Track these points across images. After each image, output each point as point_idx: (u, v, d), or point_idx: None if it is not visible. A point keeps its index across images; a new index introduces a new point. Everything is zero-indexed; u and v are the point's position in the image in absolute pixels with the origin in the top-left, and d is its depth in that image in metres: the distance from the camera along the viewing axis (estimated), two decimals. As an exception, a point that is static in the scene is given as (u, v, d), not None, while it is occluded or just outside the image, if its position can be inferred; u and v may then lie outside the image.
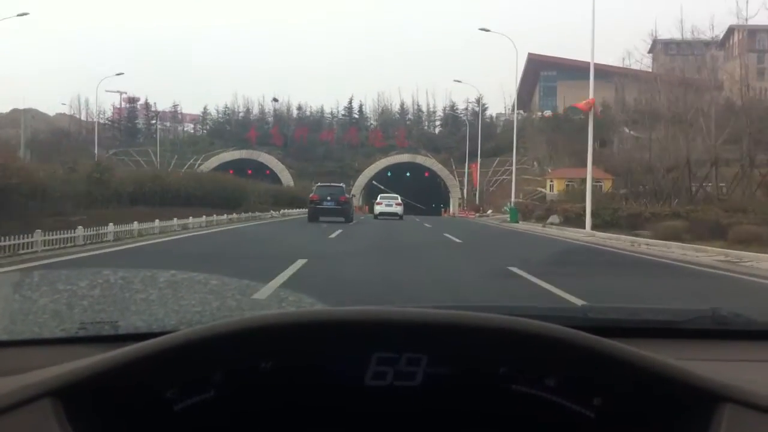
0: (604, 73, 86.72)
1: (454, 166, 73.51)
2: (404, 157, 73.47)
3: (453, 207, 69.34)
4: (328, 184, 27.43)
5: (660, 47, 63.17)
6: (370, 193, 74.55)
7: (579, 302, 5.59)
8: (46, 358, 0.92)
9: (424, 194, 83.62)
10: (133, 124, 79.62)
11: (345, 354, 0.85)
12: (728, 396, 0.79)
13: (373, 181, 76.00)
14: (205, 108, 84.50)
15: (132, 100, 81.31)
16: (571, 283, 7.47)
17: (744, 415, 0.77)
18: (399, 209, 32.38)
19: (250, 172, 71.26)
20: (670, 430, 0.81)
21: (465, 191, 71.42)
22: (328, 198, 24.73)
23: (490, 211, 47.64)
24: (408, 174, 74.58)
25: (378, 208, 32.50)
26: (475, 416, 0.88)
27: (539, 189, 52.91)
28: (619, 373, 0.81)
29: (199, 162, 74.29)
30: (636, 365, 0.80)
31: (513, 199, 37.95)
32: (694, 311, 1.36)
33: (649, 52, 59.27)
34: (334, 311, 0.86)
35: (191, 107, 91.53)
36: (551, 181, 49.83)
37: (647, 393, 0.81)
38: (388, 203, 32.70)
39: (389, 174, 74.44)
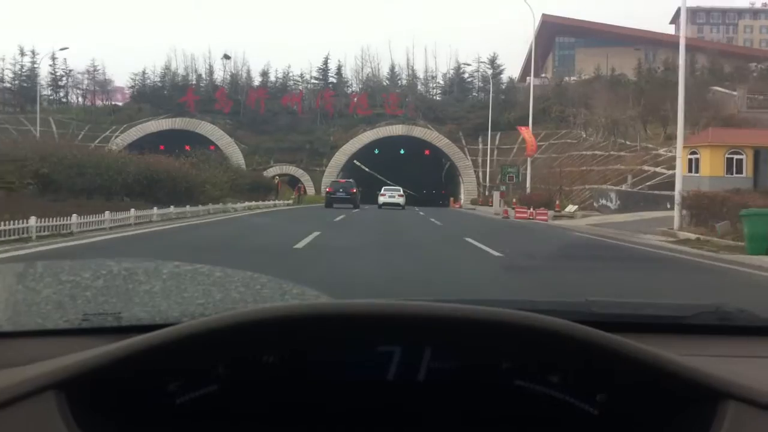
0: (629, 39, 68.12)
1: (464, 142, 53.96)
2: (397, 129, 54.05)
3: (464, 195, 49.79)
4: (340, 179, 34.62)
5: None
6: (352, 177, 55.34)
7: None
8: (50, 350, 0.91)
9: (424, 179, 65.03)
10: (32, 84, 58.77)
11: (348, 348, 0.85)
12: (731, 393, 0.78)
13: (356, 161, 56.04)
14: (143, 72, 63.46)
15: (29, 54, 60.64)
16: None
17: (746, 412, 0.77)
18: (401, 200, 34.73)
19: (188, 148, 52.30)
20: (673, 426, 0.81)
21: (485, 175, 51.80)
22: (341, 190, 32.23)
23: (573, 208, 27.74)
24: (402, 151, 54.99)
25: (381, 199, 34.67)
26: (478, 412, 0.88)
27: (646, 168, 33.10)
28: (623, 368, 0.80)
29: (117, 135, 53.85)
30: (639, 361, 0.79)
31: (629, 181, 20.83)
32: (697, 306, 1.33)
33: (671, 22, 44.57)
34: (337, 304, 0.86)
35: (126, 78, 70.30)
36: (693, 154, 27.91)
37: (650, 389, 0.81)
38: (391, 195, 35.25)
39: (377, 151, 54.67)
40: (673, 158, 20.01)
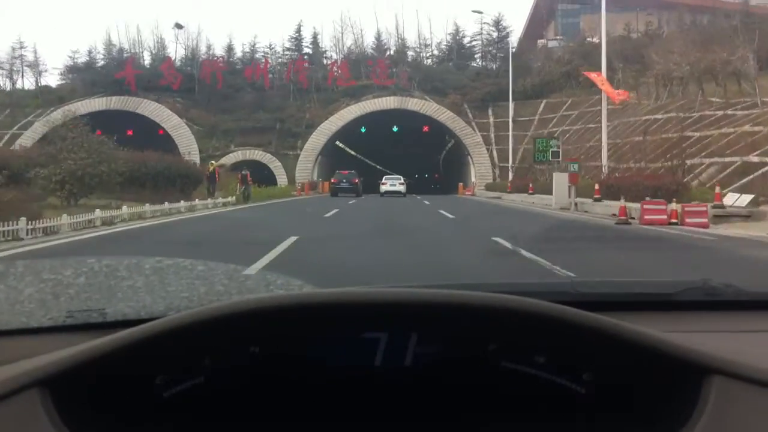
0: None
1: (470, 115, 43.47)
2: (388, 102, 43.57)
3: (476, 179, 39.36)
4: (345, 171, 35.65)
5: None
6: (333, 163, 44.75)
7: None
8: (34, 348, 0.91)
9: (423, 161, 54.55)
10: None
11: (334, 336, 0.85)
12: (716, 368, 0.79)
13: (338, 142, 45.30)
14: (88, 51, 52.16)
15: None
16: None
17: (732, 386, 0.78)
18: (402, 188, 35.26)
19: (131, 132, 42.00)
20: (660, 403, 0.82)
21: (499, 155, 41.43)
22: (344, 181, 34.57)
23: (745, 200, 15.09)
24: (396, 129, 44.41)
25: (383, 188, 35.29)
26: (466, 396, 0.89)
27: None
28: (608, 347, 0.81)
29: (41, 119, 43.00)
30: (625, 339, 0.80)
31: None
32: (684, 283, 1.33)
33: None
34: (321, 293, 0.86)
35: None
36: None
37: (637, 367, 0.82)
38: (392, 183, 35.65)
39: (363, 130, 44.20)
40: None
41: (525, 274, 6.22)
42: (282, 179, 40.86)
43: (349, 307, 0.83)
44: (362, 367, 0.86)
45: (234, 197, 22.36)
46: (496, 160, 41.68)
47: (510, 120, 38.84)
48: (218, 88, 46.59)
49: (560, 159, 25.97)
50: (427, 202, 23.01)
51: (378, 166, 67.84)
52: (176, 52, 54.18)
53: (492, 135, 43.15)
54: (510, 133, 38.08)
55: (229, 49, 53.80)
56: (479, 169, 40.89)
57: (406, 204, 22.62)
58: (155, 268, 1.39)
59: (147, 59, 53.01)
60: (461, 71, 51.06)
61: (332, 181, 35.50)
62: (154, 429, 0.84)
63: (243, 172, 25.20)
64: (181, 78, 46.92)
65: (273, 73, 52.22)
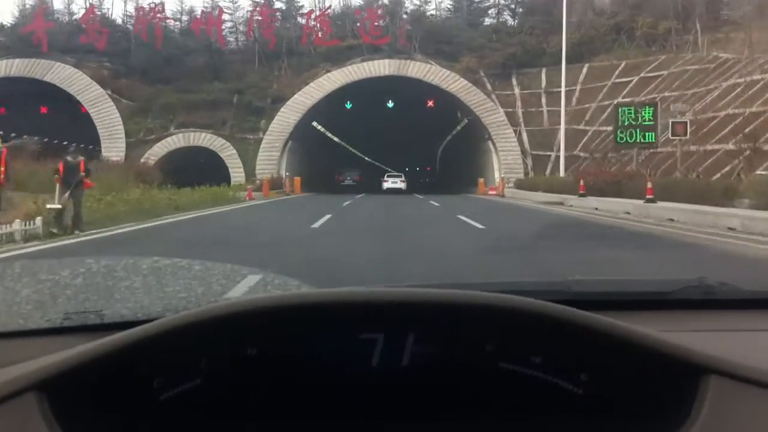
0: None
1: (490, 87, 32.74)
2: (381, 68, 32.75)
3: (501, 172, 28.94)
4: (347, 169, 41.26)
5: None
6: (308, 150, 34.17)
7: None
8: (32, 350, 0.91)
9: (427, 148, 43.83)
10: None
11: (330, 336, 0.86)
12: (713, 368, 0.80)
13: (315, 123, 34.68)
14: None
15: None
16: None
17: (729, 386, 0.78)
18: (402, 185, 36.99)
19: (44, 110, 32.27)
20: (657, 402, 0.83)
21: (529, 138, 31.14)
22: (348, 178, 40.46)
23: None
24: (391, 104, 33.61)
25: (385, 185, 37.01)
26: (464, 396, 0.90)
27: None
28: (605, 347, 0.82)
29: None
30: (621, 339, 0.81)
31: None
32: (680, 281, 1.33)
33: None
34: (318, 293, 0.87)
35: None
36: None
37: (633, 366, 0.83)
38: (394, 181, 37.49)
39: (349, 105, 33.47)
40: None
41: None
42: (237, 174, 30.27)
43: (346, 307, 0.83)
44: (359, 367, 0.86)
45: (41, 220, 9.28)
46: (527, 145, 31.14)
47: (562, 85, 27.95)
48: (158, 48, 35.51)
49: (682, 137, 15.26)
50: (465, 219, 13.06)
51: (366, 158, 57.35)
52: (112, 3, 42.85)
53: (519, 112, 32.57)
54: (562, 108, 27.39)
55: (190, 12, 42.58)
56: (505, 158, 30.42)
57: (417, 217, 12.71)
58: (152, 269, 1.39)
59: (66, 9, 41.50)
60: (474, 29, 40.17)
61: (337, 178, 40.63)
62: (152, 431, 0.84)
63: (69, 160, 10.46)
64: (107, 34, 35.88)
65: (236, 33, 41.20)
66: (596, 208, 15.68)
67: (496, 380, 0.87)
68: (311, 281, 1.32)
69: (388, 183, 36.81)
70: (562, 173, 25.16)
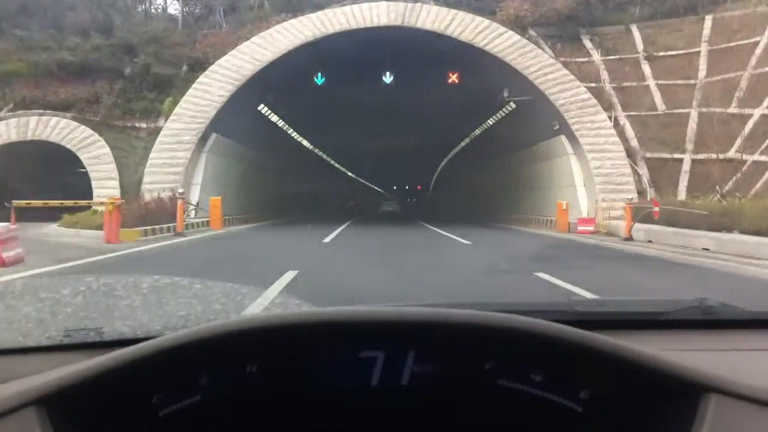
0: None
1: (551, 51, 18.65)
2: (372, 15, 18.14)
3: (583, 195, 14.07)
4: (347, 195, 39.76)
5: None
6: (246, 155, 20.60)
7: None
8: (32, 367, 0.93)
9: (446, 148, 30.80)
10: None
11: (331, 355, 0.87)
12: (714, 386, 0.81)
13: (263, 106, 19.79)
14: None
15: None
16: None
17: (730, 405, 0.79)
18: (397, 207, 40.35)
19: None
20: (658, 421, 0.84)
21: (638, 130, 16.58)
22: (346, 204, 42.22)
23: None
24: (389, 78, 18.93)
25: (381, 208, 39.51)
26: (464, 414, 0.90)
27: None
28: (606, 366, 0.83)
29: None
30: (622, 358, 0.82)
31: None
32: (681, 302, 1.33)
33: None
34: (318, 312, 0.87)
35: None
36: None
37: (633, 385, 0.84)
38: (388, 204, 40.81)
39: (320, 80, 18.46)
40: None
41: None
42: (106, 187, 16.39)
43: (346, 326, 0.84)
44: (359, 385, 0.87)
45: None
46: (633, 142, 17.76)
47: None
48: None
49: None
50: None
51: (350, 173, 46.68)
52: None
53: (607, 87, 19.27)
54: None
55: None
56: (599, 164, 16.90)
57: None
58: (153, 287, 1.39)
59: None
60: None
61: (339, 202, 42.43)
62: None
63: None
64: None
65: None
66: None
67: (495, 398, 0.87)
68: (311, 301, 1.32)
69: (384, 206, 36.86)
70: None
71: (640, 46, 20.71)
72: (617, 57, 20.50)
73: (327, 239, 12.65)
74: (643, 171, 17.12)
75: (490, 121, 24.10)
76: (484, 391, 0.87)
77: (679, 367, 0.82)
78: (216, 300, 1.35)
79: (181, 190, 13.65)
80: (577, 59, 20.43)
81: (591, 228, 14.93)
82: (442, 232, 16.25)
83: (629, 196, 15.48)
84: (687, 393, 0.81)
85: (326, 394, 0.87)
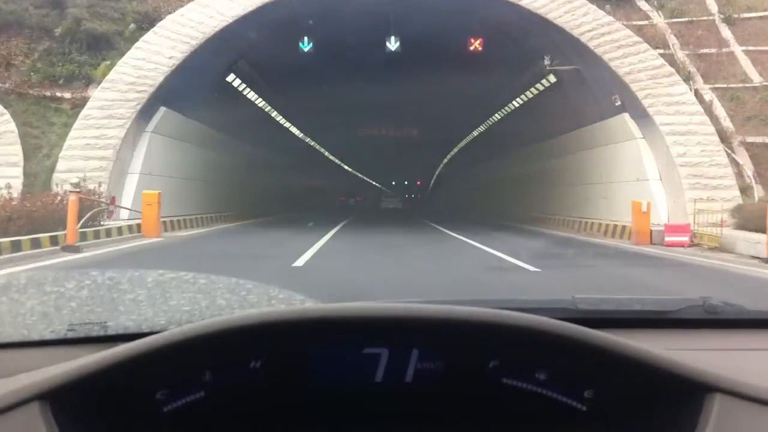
0: None
1: (603, 12, 13.94)
2: None
3: (661, 193, 8.92)
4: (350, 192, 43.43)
5: None
6: (207, 141, 15.93)
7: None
8: (36, 361, 0.93)
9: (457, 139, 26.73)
10: None
11: (335, 351, 0.87)
12: (717, 386, 0.81)
13: (231, 76, 14.61)
14: None
15: None
16: None
17: (733, 404, 0.79)
18: (400, 204, 40.11)
19: None
20: (661, 420, 0.84)
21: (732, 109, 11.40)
22: (351, 200, 43.03)
23: None
24: (394, 44, 13.96)
25: (383, 204, 39.84)
26: (467, 412, 0.90)
27: None
28: (610, 365, 0.83)
29: None
30: (627, 357, 0.82)
31: None
32: (684, 300, 1.33)
33: None
34: (322, 308, 0.87)
35: None
36: None
37: (638, 384, 0.84)
38: (391, 201, 41.04)
39: (305, 46, 13.33)
40: None
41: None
42: (4, 176, 11.84)
43: (351, 322, 0.83)
44: (363, 382, 0.87)
45: None
46: (725, 122, 13.32)
47: None
48: None
49: None
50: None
51: (345, 166, 42.81)
52: None
53: (679, 55, 14.88)
54: None
55: None
56: (686, 152, 12.40)
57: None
58: (157, 282, 1.40)
59: None
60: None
61: (340, 199, 42.18)
62: None
63: None
64: None
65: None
66: None
67: (499, 396, 0.87)
68: (316, 297, 1.29)
69: (385, 202, 37.37)
70: None
71: (714, 6, 16.36)
72: (686, 19, 16.13)
73: (300, 261, 8.04)
74: (744, 159, 12.76)
75: (519, 100, 19.63)
76: (488, 389, 0.87)
77: (683, 366, 0.81)
78: (220, 295, 1.31)
79: (75, 181, 9.20)
80: (634, 22, 16.05)
81: (686, 239, 10.57)
82: (469, 241, 11.83)
83: (732, 194, 11.06)
84: (691, 392, 0.80)
85: (330, 391, 0.87)
